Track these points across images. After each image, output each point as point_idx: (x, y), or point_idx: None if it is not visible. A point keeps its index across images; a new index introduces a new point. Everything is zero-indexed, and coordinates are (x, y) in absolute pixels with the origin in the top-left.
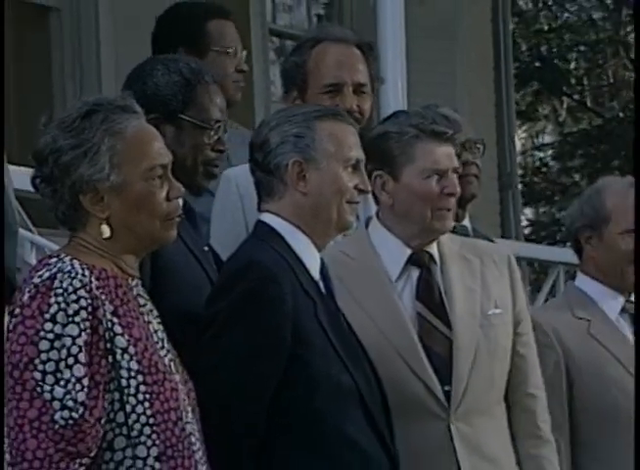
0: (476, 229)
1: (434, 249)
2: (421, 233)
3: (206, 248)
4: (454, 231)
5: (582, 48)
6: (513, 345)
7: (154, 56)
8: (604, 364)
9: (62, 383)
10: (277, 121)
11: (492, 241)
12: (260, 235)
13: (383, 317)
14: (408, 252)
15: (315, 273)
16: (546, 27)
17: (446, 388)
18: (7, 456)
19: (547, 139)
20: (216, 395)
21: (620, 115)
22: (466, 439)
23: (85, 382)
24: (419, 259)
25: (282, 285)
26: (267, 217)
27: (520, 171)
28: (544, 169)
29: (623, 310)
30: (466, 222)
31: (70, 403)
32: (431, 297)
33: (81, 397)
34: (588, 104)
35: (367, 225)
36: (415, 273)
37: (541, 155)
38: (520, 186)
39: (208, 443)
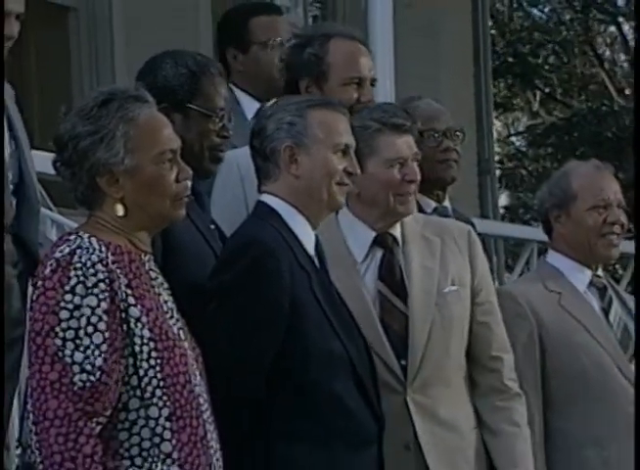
0: (455, 210)
1: (397, 231)
2: (385, 217)
3: (213, 226)
4: (435, 211)
5: (552, 46)
6: (473, 315)
7: (164, 51)
8: (574, 333)
9: (81, 349)
10: (273, 110)
11: (471, 222)
12: (260, 214)
13: (347, 297)
14: (373, 234)
15: (310, 249)
16: (518, 27)
17: (403, 362)
18: (30, 416)
19: (521, 128)
20: (219, 361)
21: (585, 107)
22: (422, 408)
23: (103, 348)
24: (382, 241)
25: (280, 260)
26: (266, 198)
27: (497, 158)
28: (519, 156)
29: (591, 284)
30: (446, 203)
31: (89, 367)
32: (392, 276)
33: (99, 362)
34: (558, 97)
35: (337, 213)
36: (379, 254)
37: (517, 143)
38: (497, 171)
39: (213, 405)
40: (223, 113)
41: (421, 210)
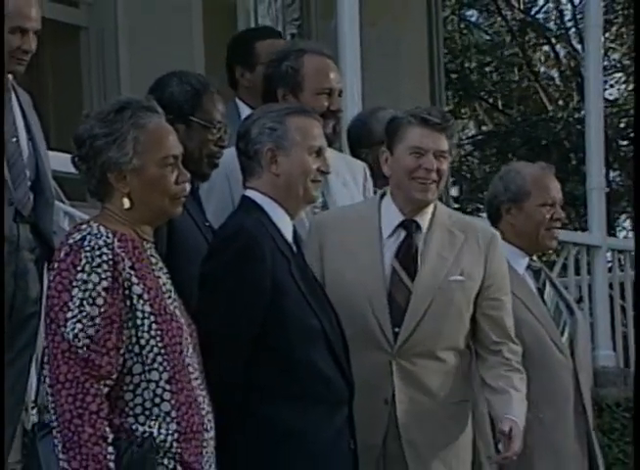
0: None
1: (424, 219)
2: (407, 202)
3: (207, 223)
4: None
5: (494, 64)
6: (480, 307)
7: (172, 71)
8: (515, 310)
9: (80, 318)
10: (257, 116)
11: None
12: (245, 207)
13: (365, 262)
14: (401, 218)
15: (289, 237)
16: (460, 48)
17: (396, 329)
18: (47, 380)
19: (470, 134)
20: (212, 334)
21: (521, 116)
22: (405, 374)
23: (97, 321)
24: (406, 225)
25: (263, 247)
26: (250, 193)
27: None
28: (468, 158)
29: (528, 268)
30: None
31: (81, 336)
32: (406, 257)
33: (91, 331)
34: (499, 107)
35: (383, 195)
36: (402, 236)
37: (466, 146)
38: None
39: (207, 374)
40: (220, 125)
41: None
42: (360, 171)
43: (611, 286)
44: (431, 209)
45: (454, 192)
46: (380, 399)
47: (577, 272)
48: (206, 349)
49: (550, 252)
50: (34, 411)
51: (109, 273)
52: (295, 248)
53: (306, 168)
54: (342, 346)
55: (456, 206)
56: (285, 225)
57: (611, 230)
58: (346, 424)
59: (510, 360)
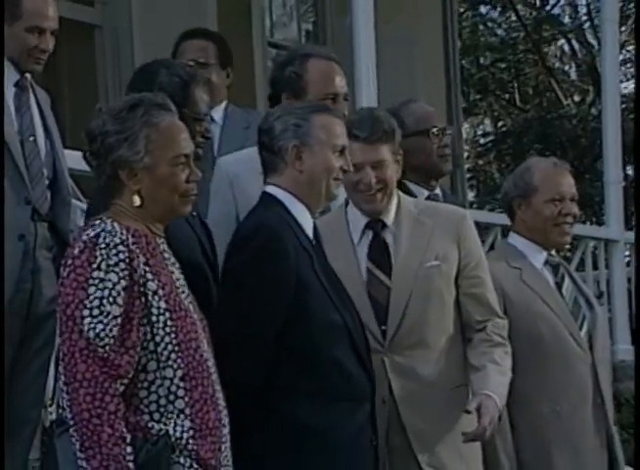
0: (446, 195)
1: (388, 216)
2: (363, 210)
3: (195, 213)
4: (428, 198)
5: (509, 59)
6: (461, 288)
7: (155, 60)
8: (532, 303)
9: (101, 318)
10: (281, 113)
11: (464, 206)
12: (266, 203)
13: (343, 271)
14: (365, 220)
15: (310, 233)
16: (474, 44)
17: (383, 327)
18: (62, 378)
19: (488, 129)
20: (232, 334)
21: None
22: (398, 367)
23: (118, 320)
24: (372, 226)
25: (285, 242)
26: (271, 189)
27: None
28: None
29: (546, 262)
30: (437, 191)
31: (102, 335)
32: (379, 255)
33: (115, 331)
34: (516, 103)
35: (346, 205)
36: (370, 236)
37: (482, 146)
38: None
39: (223, 373)
40: (206, 117)
41: (414, 197)
42: None
43: (629, 280)
44: (394, 204)
45: (471, 196)
46: (378, 399)
47: (595, 267)
48: (225, 348)
49: (566, 247)
50: (52, 409)
51: (126, 272)
52: (314, 243)
53: (330, 166)
54: (363, 342)
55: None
56: (306, 221)
57: (628, 224)
58: (369, 421)
59: (491, 335)
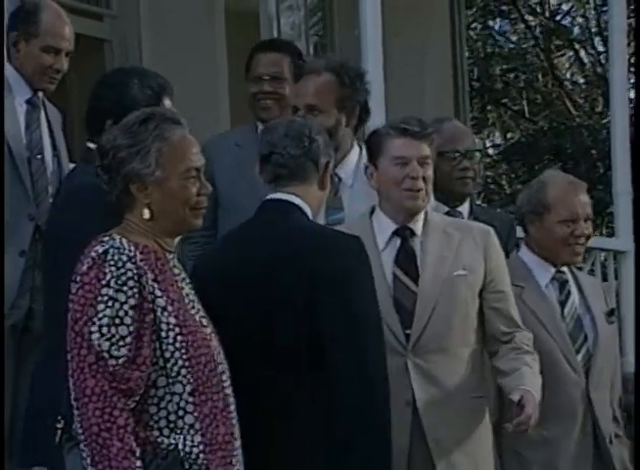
0: (476, 214)
1: (417, 224)
2: (399, 211)
3: None
4: (447, 214)
5: (518, 70)
6: (486, 301)
7: (121, 68)
8: (528, 324)
9: (109, 337)
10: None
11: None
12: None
13: None
14: (393, 227)
15: None
16: (482, 55)
17: (407, 331)
18: (72, 394)
19: (497, 141)
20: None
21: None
22: (420, 370)
23: (128, 340)
24: (401, 232)
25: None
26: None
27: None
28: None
29: (554, 279)
30: (461, 209)
31: (115, 354)
32: (406, 262)
33: (123, 351)
34: (526, 114)
35: (372, 211)
36: (397, 243)
37: (491, 153)
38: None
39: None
40: None
41: None
42: None
43: None
44: (422, 215)
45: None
46: (401, 401)
47: (605, 278)
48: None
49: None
50: (61, 423)
51: (135, 289)
52: None
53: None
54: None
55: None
56: None
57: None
58: None
59: (520, 345)
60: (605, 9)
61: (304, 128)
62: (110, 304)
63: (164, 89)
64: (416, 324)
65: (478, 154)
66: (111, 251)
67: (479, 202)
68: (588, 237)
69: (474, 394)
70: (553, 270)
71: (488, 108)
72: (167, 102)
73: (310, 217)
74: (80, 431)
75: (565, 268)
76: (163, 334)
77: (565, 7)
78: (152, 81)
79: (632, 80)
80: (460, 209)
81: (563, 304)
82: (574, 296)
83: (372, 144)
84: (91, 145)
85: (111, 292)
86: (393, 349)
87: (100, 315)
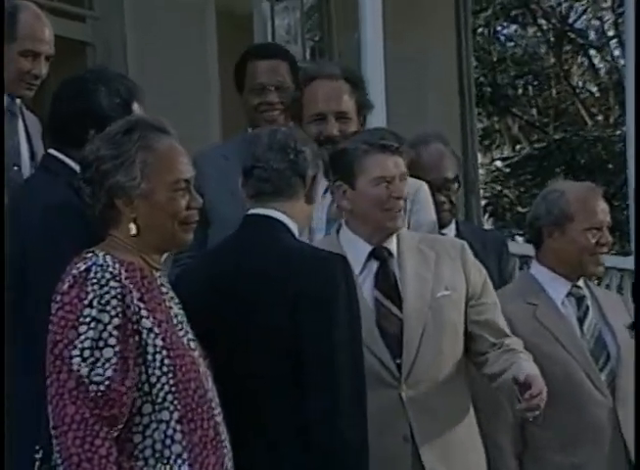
0: (463, 234)
1: (392, 244)
2: (377, 232)
3: None
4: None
5: (528, 77)
6: (468, 316)
7: (89, 73)
8: (544, 344)
9: (91, 361)
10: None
11: (483, 244)
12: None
13: None
14: (369, 248)
15: None
16: (495, 59)
17: (398, 361)
18: (51, 421)
19: (505, 153)
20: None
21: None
22: (416, 403)
23: (113, 361)
24: (378, 254)
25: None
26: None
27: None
28: (502, 178)
29: (570, 294)
30: (445, 231)
31: (98, 379)
32: (386, 285)
33: (109, 373)
34: (536, 124)
35: (338, 231)
36: (375, 266)
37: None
38: (481, 192)
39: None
40: None
41: None
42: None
43: None
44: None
45: (487, 224)
46: (398, 437)
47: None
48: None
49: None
50: (39, 454)
51: (119, 309)
52: None
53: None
54: None
55: None
56: None
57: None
58: None
59: (510, 345)
60: (621, 10)
61: (289, 139)
62: (92, 325)
63: (133, 95)
64: (406, 353)
65: (455, 185)
66: (93, 268)
67: (485, 217)
68: (608, 246)
69: (469, 421)
70: (569, 285)
71: (495, 118)
72: (136, 106)
73: (296, 234)
74: (60, 461)
75: (581, 283)
76: (149, 357)
77: (580, 7)
78: (119, 86)
79: None
80: (445, 230)
81: (581, 320)
82: (593, 311)
83: (343, 162)
84: (54, 152)
85: (93, 312)
86: (383, 380)
87: (82, 338)
